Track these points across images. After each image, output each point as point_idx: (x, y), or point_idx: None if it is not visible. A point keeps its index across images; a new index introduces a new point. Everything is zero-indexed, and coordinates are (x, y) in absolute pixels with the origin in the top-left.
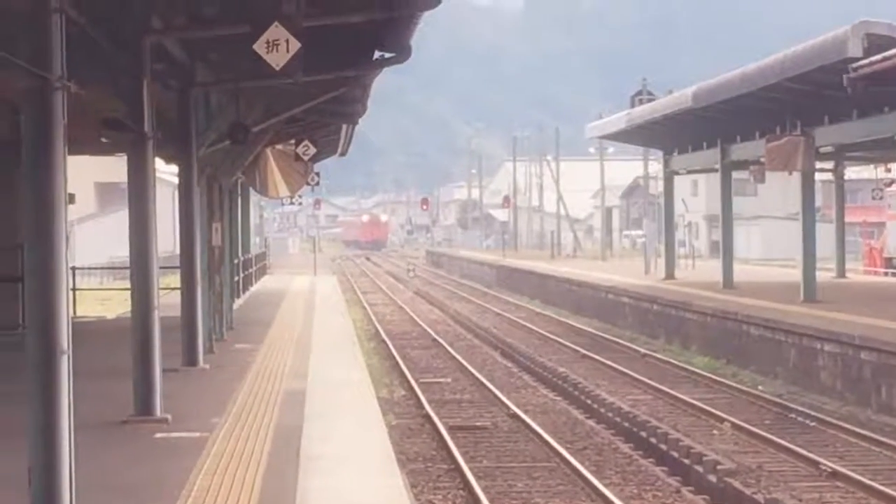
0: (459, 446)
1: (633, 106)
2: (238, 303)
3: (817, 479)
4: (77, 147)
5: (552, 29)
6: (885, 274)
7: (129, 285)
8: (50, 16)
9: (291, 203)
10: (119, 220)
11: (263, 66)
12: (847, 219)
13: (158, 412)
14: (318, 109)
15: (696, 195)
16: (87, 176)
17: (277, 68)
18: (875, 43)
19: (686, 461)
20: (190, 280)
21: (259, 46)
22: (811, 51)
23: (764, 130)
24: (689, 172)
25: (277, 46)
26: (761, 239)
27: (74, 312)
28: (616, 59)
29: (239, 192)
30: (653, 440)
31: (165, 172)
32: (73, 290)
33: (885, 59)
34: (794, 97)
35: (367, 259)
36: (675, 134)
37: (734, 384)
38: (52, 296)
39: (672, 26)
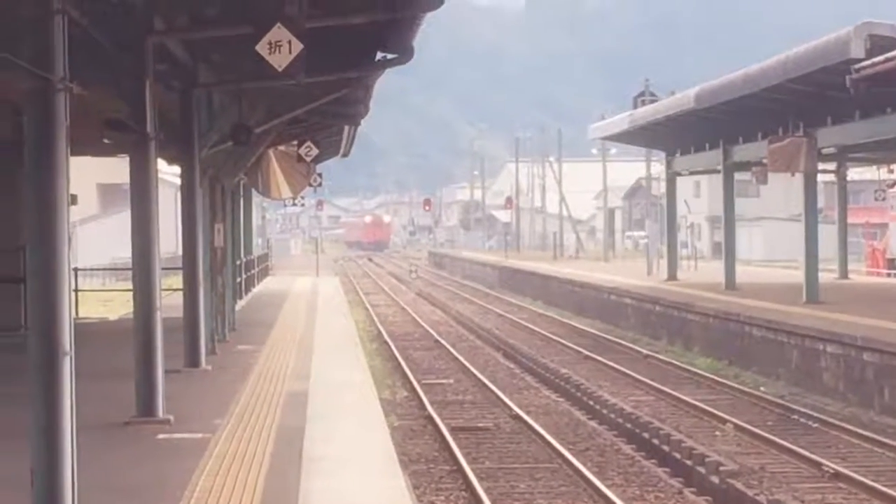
0: (462, 447)
1: (635, 107)
2: (240, 304)
3: (820, 481)
4: (79, 148)
5: (554, 29)
6: (888, 275)
7: (131, 286)
8: (52, 17)
9: (294, 204)
10: (121, 221)
11: (266, 67)
12: (849, 220)
13: (161, 413)
14: (320, 110)
15: (699, 196)
16: (90, 177)
17: (280, 69)
18: (878, 44)
19: (688, 462)
20: (192, 281)
21: (261, 47)
22: (814, 52)
23: (766, 131)
24: (692, 173)
25: (280, 47)
26: (764, 240)
27: (77, 314)
28: (618, 59)
29: (241, 193)
30: (655, 441)
31: (168, 173)
32: (76, 291)
33: (887, 59)
34: (796, 98)
35: (370, 260)
36: (678, 135)
37: (736, 385)
38: (54, 297)
39: (674, 27)
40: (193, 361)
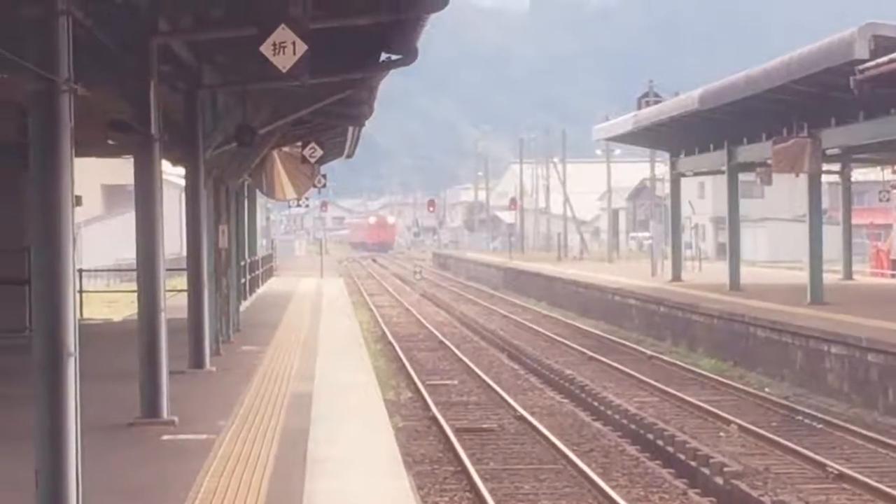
0: (466, 448)
1: (639, 108)
2: (245, 305)
3: (824, 482)
4: (84, 149)
5: (558, 31)
6: (892, 276)
7: (135, 287)
8: (57, 18)
9: (298, 205)
10: (126, 223)
11: (270, 69)
12: (854, 221)
13: (165, 414)
14: (324, 111)
15: (703, 197)
16: (94, 178)
17: (284, 70)
18: (882, 45)
19: (693, 463)
20: (197, 282)
21: (266, 49)
22: (817, 53)
23: (770, 132)
24: (696, 174)
25: (284, 49)
26: (768, 241)
27: (81, 315)
28: (622, 60)
29: (245, 194)
30: (659, 442)
31: (172, 174)
32: (80, 292)
33: (891, 60)
34: (800, 99)
35: (374, 261)
36: (682, 136)
37: (741, 386)
38: (58, 298)
39: (678, 27)
40: (198, 362)
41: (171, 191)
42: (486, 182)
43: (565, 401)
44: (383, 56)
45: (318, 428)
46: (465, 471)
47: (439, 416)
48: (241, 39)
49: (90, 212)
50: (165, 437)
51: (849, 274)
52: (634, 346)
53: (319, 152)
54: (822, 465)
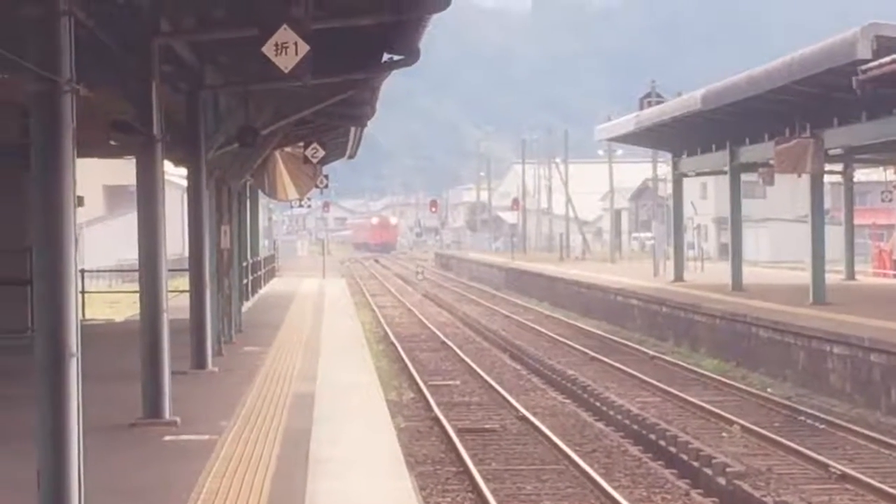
0: (468, 449)
1: (641, 108)
2: (247, 305)
3: (827, 482)
4: (86, 150)
5: (560, 31)
6: (895, 276)
7: (137, 288)
8: (58, 19)
9: (300, 206)
10: (128, 223)
11: (272, 69)
12: (856, 221)
13: (167, 415)
14: (326, 112)
15: (706, 198)
16: (96, 179)
17: (286, 71)
18: (884, 45)
19: (695, 464)
20: (199, 283)
21: (268, 49)
22: (820, 53)
23: (773, 133)
24: (698, 175)
25: (286, 49)
26: (770, 241)
27: (83, 315)
28: (624, 60)
29: (248, 194)
30: (662, 443)
31: (174, 175)
32: (82, 292)
33: (894, 61)
34: (802, 99)
35: (376, 261)
36: (684, 136)
37: (743, 387)
38: (60, 299)
39: (680, 27)
40: (200, 363)
41: (173, 191)
42: (488, 182)
43: (567, 401)
44: (385, 56)
45: (320, 428)
46: (467, 471)
47: (441, 417)
48: (243, 40)
49: (92, 212)
50: (167, 438)
51: (851, 274)
52: (637, 346)
53: (321, 153)
54: (825, 466)
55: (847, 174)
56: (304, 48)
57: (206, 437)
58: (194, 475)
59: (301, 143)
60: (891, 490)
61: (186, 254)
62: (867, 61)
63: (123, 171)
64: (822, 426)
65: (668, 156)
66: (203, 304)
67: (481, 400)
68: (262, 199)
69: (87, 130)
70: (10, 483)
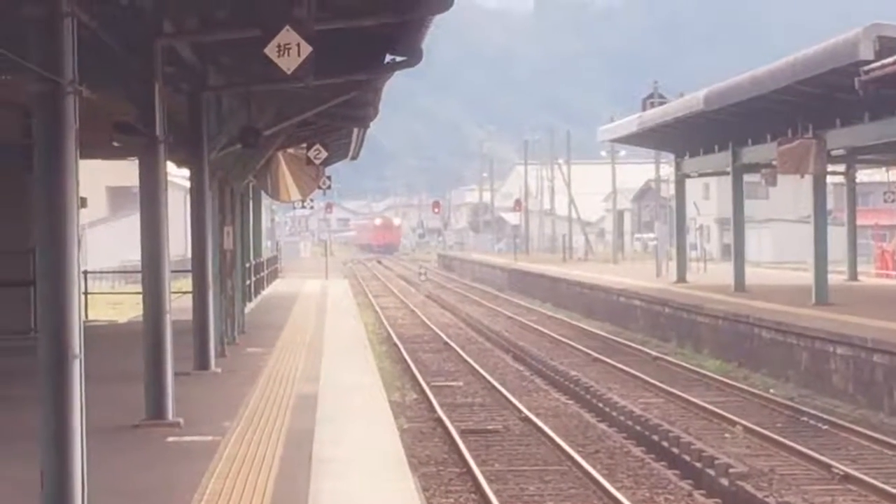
0: (471, 449)
1: (644, 109)
2: (250, 307)
3: (829, 483)
4: (89, 151)
5: (562, 32)
6: None
7: (140, 289)
8: (61, 20)
9: (303, 207)
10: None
11: (275, 70)
12: (859, 221)
13: (170, 416)
14: (329, 113)
15: (708, 198)
16: (99, 180)
17: (289, 72)
18: (887, 45)
19: (698, 464)
20: (202, 284)
21: (270, 50)
22: (822, 53)
23: (775, 133)
24: (701, 175)
25: (289, 50)
26: (773, 242)
27: (86, 316)
28: (626, 60)
29: (250, 195)
30: (665, 443)
31: (177, 176)
32: (85, 293)
33: None
34: (805, 100)
35: (379, 262)
36: (687, 137)
37: (746, 387)
38: (64, 300)
39: (682, 27)
40: (203, 364)
41: (176, 192)
42: (490, 183)
43: (570, 402)
44: (388, 57)
45: (323, 429)
46: (470, 472)
47: (444, 418)
48: (246, 41)
49: (95, 213)
50: (171, 439)
51: (854, 275)
52: (639, 347)
53: (324, 154)
54: (828, 466)
55: (850, 175)
56: (306, 49)
57: (210, 438)
58: (197, 476)
59: (304, 145)
60: (894, 490)
61: (189, 255)
62: (870, 62)
63: (126, 172)
64: (825, 427)
65: (671, 156)
66: (206, 306)
67: (484, 401)
68: (265, 201)
69: (90, 132)
70: (14, 483)
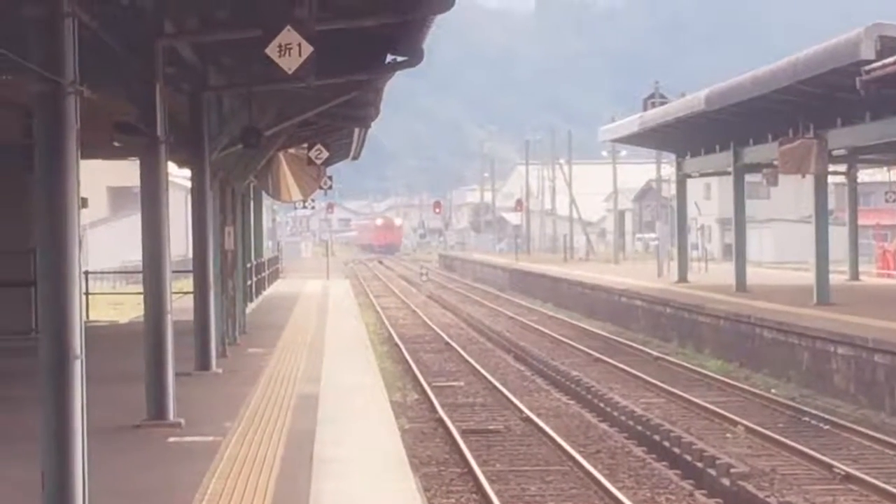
0: (472, 450)
1: (645, 109)
2: (251, 307)
3: (831, 483)
4: (90, 151)
5: (563, 32)
6: None
7: (141, 289)
8: (62, 20)
9: (304, 207)
10: (132, 224)
11: (276, 70)
12: (860, 221)
13: (171, 416)
14: (330, 113)
15: (709, 198)
16: (100, 180)
17: (290, 72)
18: (888, 45)
19: (699, 464)
20: (203, 284)
21: (271, 50)
22: (823, 53)
23: (777, 133)
24: (702, 175)
25: (290, 50)
26: (774, 242)
27: (87, 317)
28: (627, 60)
29: (251, 195)
30: (666, 443)
31: (178, 176)
32: (86, 294)
33: None
34: (806, 100)
35: (380, 263)
36: (688, 137)
37: (747, 387)
38: (65, 300)
39: (683, 28)
40: (204, 364)
41: (177, 193)
42: (492, 183)
43: (571, 402)
44: (389, 57)
45: (324, 429)
46: (471, 472)
47: (445, 418)
48: (247, 41)
49: (96, 214)
50: (172, 439)
51: (855, 275)
52: (641, 347)
53: (325, 154)
54: (829, 466)
55: (851, 175)
56: (307, 49)
57: (211, 438)
58: (198, 476)
59: (305, 145)
60: (895, 490)
61: (190, 255)
62: (871, 62)
63: (127, 172)
64: (827, 427)
65: (672, 156)
66: (207, 306)
67: (485, 401)
68: (266, 201)
69: (91, 132)
70: (15, 484)
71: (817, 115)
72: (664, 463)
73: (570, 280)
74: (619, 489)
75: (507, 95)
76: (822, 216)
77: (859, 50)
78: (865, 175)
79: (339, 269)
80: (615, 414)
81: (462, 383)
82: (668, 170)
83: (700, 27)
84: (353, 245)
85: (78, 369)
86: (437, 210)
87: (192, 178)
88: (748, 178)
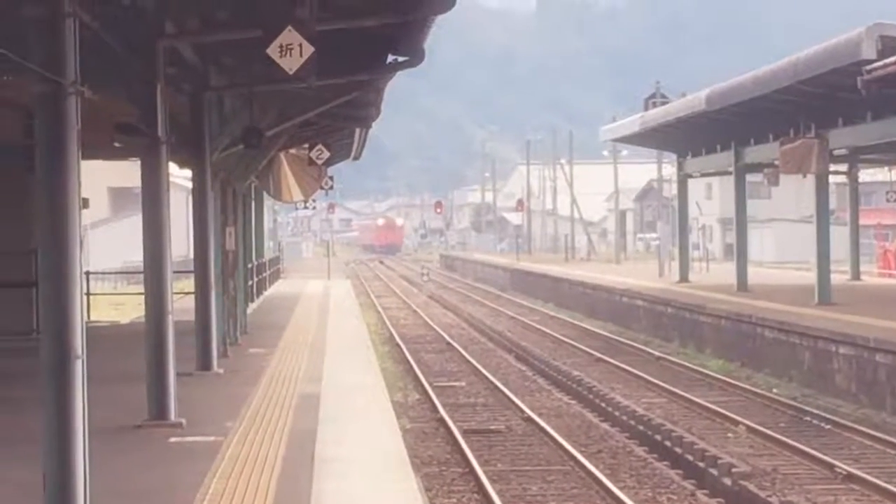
0: (474, 450)
1: (646, 109)
2: (252, 307)
3: (832, 482)
4: (91, 151)
5: (564, 31)
6: None
7: (143, 290)
8: (63, 20)
9: (305, 207)
10: (133, 225)
11: (277, 71)
12: (861, 221)
13: (173, 416)
14: (331, 113)
15: (710, 198)
16: (101, 180)
17: (291, 72)
18: (889, 45)
19: (701, 464)
20: (204, 284)
21: (272, 51)
22: (824, 53)
23: (778, 133)
24: (703, 175)
25: (291, 50)
26: (775, 242)
27: (88, 317)
28: (628, 60)
29: (252, 196)
30: (667, 443)
31: (179, 177)
32: (87, 294)
33: None
34: (807, 99)
35: (381, 263)
36: (689, 137)
37: (749, 387)
38: (66, 301)
39: (684, 28)
40: (205, 364)
41: (179, 193)
42: (493, 183)
43: (573, 402)
44: (390, 58)
45: (325, 429)
46: (472, 472)
47: (447, 418)
48: (248, 41)
49: (97, 214)
50: (173, 440)
51: (856, 274)
52: (642, 347)
53: (326, 154)
54: (831, 466)
55: (852, 174)
56: (308, 50)
57: (212, 438)
58: (200, 476)
59: (306, 145)
60: None
61: (191, 255)
62: (872, 61)
63: (128, 173)
64: (828, 426)
65: (673, 156)
66: (208, 306)
67: (486, 401)
68: (267, 201)
69: (92, 132)
70: (16, 485)
71: (818, 114)
72: (666, 463)
73: (571, 280)
74: (621, 489)
75: (508, 95)
76: (823, 216)
77: (860, 50)
78: (866, 175)
79: (340, 269)
80: (617, 414)
81: (463, 383)
82: (670, 170)
83: (701, 27)
84: (355, 245)
85: (79, 370)
86: (439, 210)
87: (193, 179)
88: (749, 177)
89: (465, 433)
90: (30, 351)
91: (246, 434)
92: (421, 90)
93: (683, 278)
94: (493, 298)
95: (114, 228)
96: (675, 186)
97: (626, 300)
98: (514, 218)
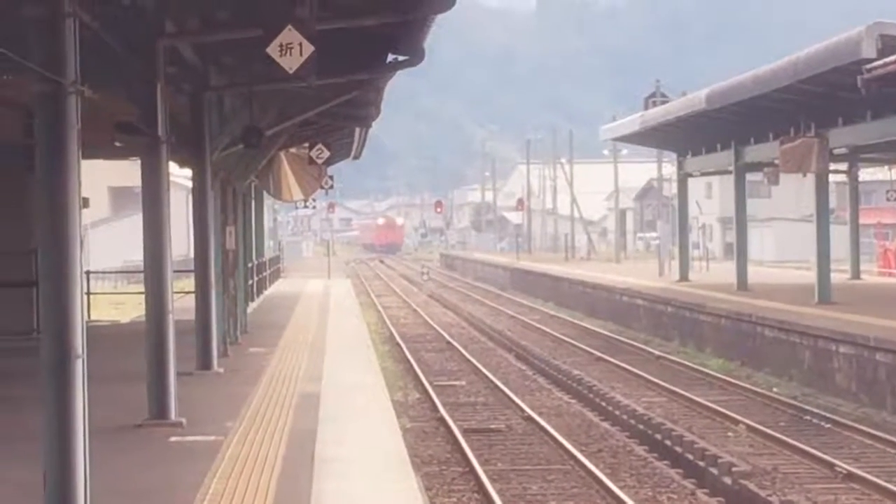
0: (474, 449)
1: (646, 108)
2: (252, 306)
3: (833, 481)
4: (91, 151)
5: (564, 31)
6: None
7: (143, 289)
8: (63, 20)
9: (305, 206)
10: (133, 224)
11: (277, 70)
12: (861, 220)
13: (173, 416)
14: (331, 113)
15: (710, 197)
16: (101, 180)
17: (291, 72)
18: (889, 44)
19: (701, 463)
20: (204, 284)
21: (272, 50)
22: (825, 52)
23: (778, 132)
24: (703, 174)
25: (291, 50)
26: (775, 241)
27: (88, 316)
28: (628, 59)
29: (253, 195)
30: (668, 442)
31: (179, 176)
32: (88, 294)
33: None
34: (807, 99)
35: (381, 262)
36: (689, 136)
37: (749, 386)
38: (66, 300)
39: (684, 27)
40: (205, 364)
41: (179, 192)
42: (493, 182)
43: (573, 401)
44: (390, 57)
45: (325, 429)
46: (472, 471)
47: (447, 417)
48: (248, 41)
49: (97, 214)
50: (173, 439)
51: (856, 273)
52: (642, 346)
53: (326, 153)
54: (831, 465)
55: (852, 173)
56: (308, 49)
57: (212, 437)
58: (200, 476)
59: (306, 144)
60: None
61: (192, 255)
62: (872, 60)
63: (128, 172)
64: (828, 425)
65: (673, 156)
66: (208, 305)
67: (487, 400)
68: (267, 200)
69: (92, 132)
70: (17, 484)
71: (818, 113)
72: (666, 462)
73: (571, 279)
74: (621, 488)
75: (507, 94)
76: (823, 215)
77: (860, 49)
78: (866, 174)
79: (340, 268)
80: (617, 413)
81: (463, 382)
82: (670, 169)
83: (701, 26)
84: (355, 244)
85: (79, 369)
86: (439, 209)
87: (194, 178)
88: (749, 176)
89: (465, 432)
90: (30, 350)
91: (246, 433)
92: (421, 90)
93: (683, 277)
94: (493, 297)
95: (114, 228)
96: (675, 185)
97: (626, 299)
98: (514, 217)
